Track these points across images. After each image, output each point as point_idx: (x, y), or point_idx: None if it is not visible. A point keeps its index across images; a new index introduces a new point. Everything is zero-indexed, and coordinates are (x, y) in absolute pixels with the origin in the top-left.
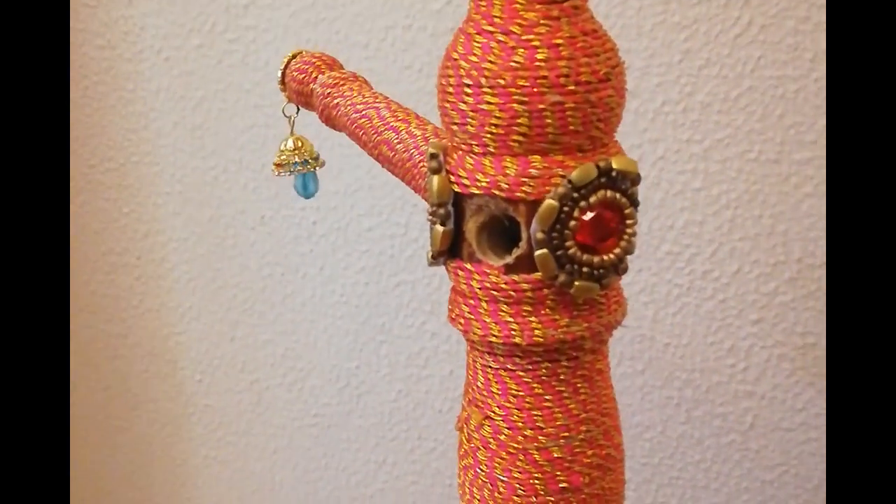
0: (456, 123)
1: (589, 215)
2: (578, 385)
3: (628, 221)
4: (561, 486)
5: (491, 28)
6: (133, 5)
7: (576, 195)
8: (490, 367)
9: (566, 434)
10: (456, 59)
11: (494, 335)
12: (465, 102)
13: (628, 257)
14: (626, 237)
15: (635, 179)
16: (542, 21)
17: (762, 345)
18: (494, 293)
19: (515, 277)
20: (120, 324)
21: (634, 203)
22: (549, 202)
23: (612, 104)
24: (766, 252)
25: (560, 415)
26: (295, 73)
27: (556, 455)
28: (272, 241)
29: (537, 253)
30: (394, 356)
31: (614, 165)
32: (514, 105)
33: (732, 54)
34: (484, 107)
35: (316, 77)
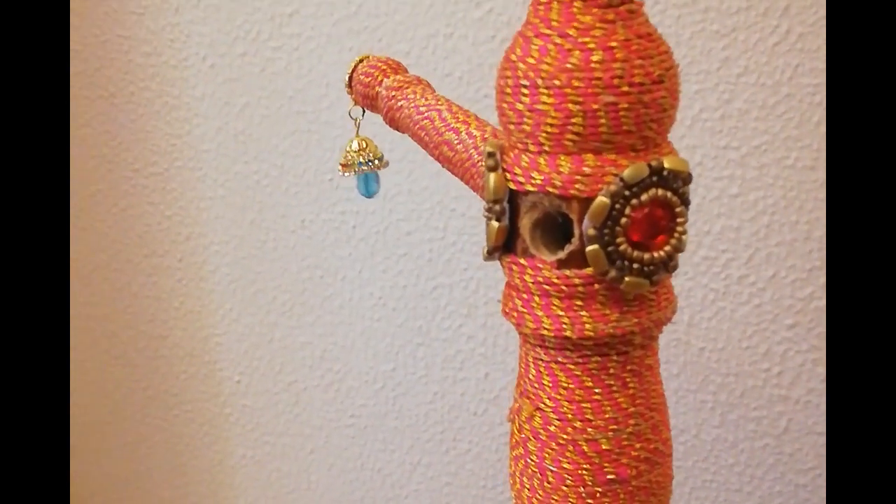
0: (513, 123)
1: (641, 213)
2: (627, 379)
3: (679, 220)
4: (608, 477)
5: (548, 31)
6: (179, 13)
7: (627, 193)
8: (541, 359)
9: (614, 427)
10: (514, 61)
11: (546, 328)
12: (521, 102)
13: (679, 256)
14: (676, 235)
15: (686, 179)
16: (597, 24)
17: (797, 349)
18: (547, 287)
19: (567, 272)
20: (161, 325)
21: (685, 202)
22: (602, 199)
23: (665, 105)
24: (802, 257)
25: (609, 408)
26: (361, 77)
27: (604, 447)
28: (312, 245)
29: (589, 249)
30: (430, 358)
31: (666, 165)
32: (569, 105)
33: (770, 62)
34: (540, 107)
35: (381, 80)
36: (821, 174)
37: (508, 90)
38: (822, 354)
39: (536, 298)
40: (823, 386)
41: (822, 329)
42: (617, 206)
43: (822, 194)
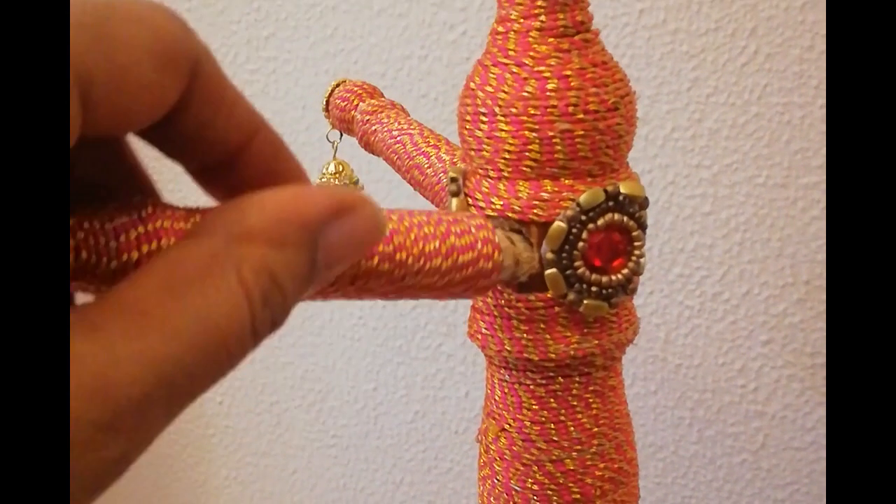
0: (473, 149)
1: (598, 237)
2: (590, 400)
3: (636, 243)
4: (574, 497)
5: (506, 60)
6: None
7: (584, 218)
8: (506, 381)
9: (578, 447)
10: (473, 89)
11: (509, 350)
12: (480, 130)
13: (639, 279)
14: (634, 258)
15: (643, 203)
16: (553, 53)
17: (772, 365)
18: (508, 310)
19: (528, 296)
20: None
21: (642, 226)
22: (559, 224)
23: (620, 132)
24: (774, 274)
25: (573, 428)
26: (338, 101)
27: (569, 467)
28: None
29: (547, 272)
30: (410, 378)
31: (622, 190)
32: (526, 132)
33: (739, 82)
34: (498, 134)
35: (357, 105)
36: (791, 192)
37: (468, 117)
38: (796, 370)
39: (499, 321)
40: (799, 401)
41: (796, 345)
42: (574, 230)
43: (793, 211)
